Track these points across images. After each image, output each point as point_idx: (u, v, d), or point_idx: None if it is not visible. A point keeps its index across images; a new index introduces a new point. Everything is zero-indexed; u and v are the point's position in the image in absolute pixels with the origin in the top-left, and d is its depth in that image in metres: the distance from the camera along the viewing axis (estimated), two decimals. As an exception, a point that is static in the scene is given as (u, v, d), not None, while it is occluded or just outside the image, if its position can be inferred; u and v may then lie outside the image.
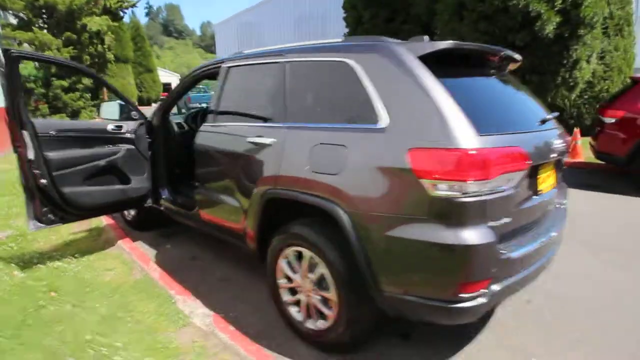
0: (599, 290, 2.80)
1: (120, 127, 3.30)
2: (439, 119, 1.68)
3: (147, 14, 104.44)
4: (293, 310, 2.32)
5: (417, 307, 1.80)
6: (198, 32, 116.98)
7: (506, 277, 1.81)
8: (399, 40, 2.07)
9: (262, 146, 2.31)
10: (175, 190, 3.70)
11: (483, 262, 1.68)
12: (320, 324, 2.15)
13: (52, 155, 2.84)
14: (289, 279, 2.32)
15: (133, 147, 3.34)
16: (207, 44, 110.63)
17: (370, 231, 1.81)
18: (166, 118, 3.63)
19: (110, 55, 15.82)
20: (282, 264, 2.31)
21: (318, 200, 1.97)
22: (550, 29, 7.47)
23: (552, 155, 2.09)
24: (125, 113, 3.43)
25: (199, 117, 4.02)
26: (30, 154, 2.74)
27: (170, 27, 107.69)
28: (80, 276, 2.96)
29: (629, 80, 6.21)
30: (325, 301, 2.11)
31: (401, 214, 1.73)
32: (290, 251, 2.23)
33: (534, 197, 2.01)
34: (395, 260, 1.78)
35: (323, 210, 1.97)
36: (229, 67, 2.78)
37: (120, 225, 4.14)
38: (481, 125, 1.71)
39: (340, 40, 2.28)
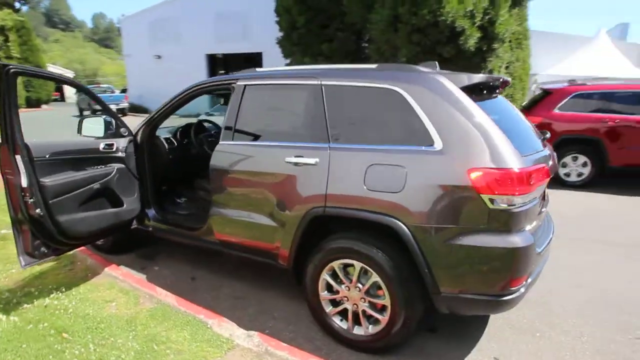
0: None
1: (111, 145, 3.04)
2: (491, 143, 1.97)
3: (26, 2, 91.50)
4: (336, 320, 2.45)
5: (471, 303, 2.08)
6: (89, 24, 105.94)
7: (535, 270, 2.19)
8: (436, 70, 2.33)
9: (304, 166, 2.38)
10: (166, 209, 3.52)
11: (527, 260, 2.02)
12: (372, 329, 2.32)
13: (48, 181, 2.53)
14: (332, 291, 2.44)
15: (124, 166, 3.10)
16: (101, 38, 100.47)
17: (431, 241, 2.03)
18: (153, 134, 3.42)
19: (15, 51, 13.66)
20: (326, 277, 2.42)
21: (377, 216, 2.13)
22: (471, 42, 8.47)
23: (554, 169, 2.53)
24: (111, 129, 3.16)
25: (193, 132, 3.83)
26: (24, 181, 2.41)
27: (55, 18, 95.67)
28: (82, 312, 2.69)
29: (531, 88, 7.43)
30: (375, 307, 2.29)
31: (462, 225, 1.98)
32: (336, 264, 2.36)
33: (543, 203, 2.43)
34: (454, 265, 2.03)
35: (381, 225, 2.14)
36: (246, 85, 2.77)
37: (91, 251, 3.77)
38: (518, 147, 2.04)
39: (375, 66, 2.47)
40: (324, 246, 2.38)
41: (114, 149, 3.05)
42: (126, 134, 3.17)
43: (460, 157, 1.99)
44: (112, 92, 22.32)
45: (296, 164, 2.41)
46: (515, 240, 1.97)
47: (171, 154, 3.54)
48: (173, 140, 3.66)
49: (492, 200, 1.93)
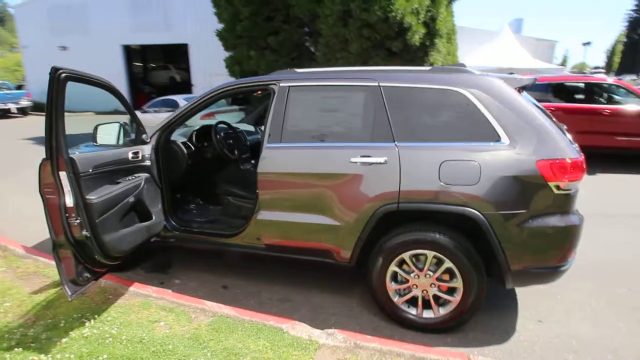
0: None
1: (137, 153, 2.78)
2: (552, 136, 2.26)
3: None
4: (404, 308, 2.61)
5: (534, 276, 2.39)
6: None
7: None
8: (489, 73, 2.56)
9: (372, 165, 2.47)
10: (185, 217, 3.33)
11: (579, 235, 2.38)
12: (442, 311, 2.53)
13: (94, 198, 2.25)
14: (398, 281, 2.59)
15: (149, 175, 2.87)
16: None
17: (505, 226, 2.28)
18: (169, 138, 3.20)
19: None
20: (394, 268, 2.55)
21: (456, 207, 2.32)
22: (417, 38, 9.06)
23: None
24: (129, 136, 2.89)
25: (215, 134, 3.59)
26: (69, 201, 2.13)
27: None
28: (135, 337, 2.47)
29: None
30: (446, 290, 2.50)
31: (531, 210, 2.26)
32: (407, 255, 2.50)
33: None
34: (524, 245, 2.31)
35: (457, 215, 2.34)
36: (290, 86, 2.74)
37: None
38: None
39: (428, 68, 2.63)
40: (394, 240, 2.50)
41: (140, 157, 2.80)
42: (148, 140, 2.92)
43: (528, 150, 2.26)
44: (9, 88, 19.37)
45: (363, 163, 2.48)
46: (573, 219, 2.31)
47: (189, 159, 3.33)
48: (190, 144, 3.44)
49: (557, 187, 2.23)
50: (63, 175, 2.08)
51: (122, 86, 20.61)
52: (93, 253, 2.31)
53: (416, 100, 2.49)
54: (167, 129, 3.12)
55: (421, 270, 2.51)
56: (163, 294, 2.95)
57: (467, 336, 2.58)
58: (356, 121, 2.62)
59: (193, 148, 3.43)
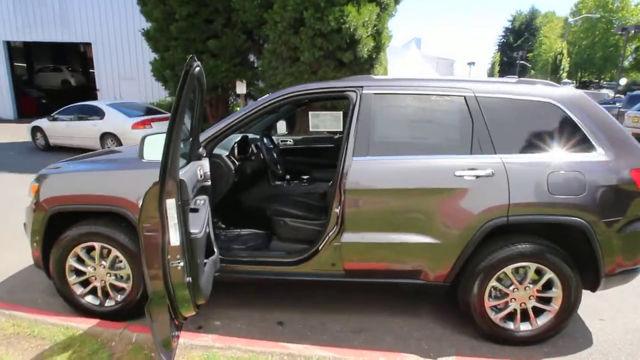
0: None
1: (201, 170, 2.25)
2: (636, 146, 2.44)
3: None
4: (501, 324, 2.55)
5: (620, 277, 2.53)
6: None
7: None
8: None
9: (479, 178, 2.36)
10: (228, 244, 2.83)
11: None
12: (540, 321, 2.53)
13: (197, 231, 1.71)
14: (497, 296, 2.53)
15: (208, 197, 2.34)
16: None
17: (606, 233, 2.37)
18: (212, 151, 2.67)
19: None
20: (493, 284, 2.48)
21: (566, 218, 2.34)
22: (366, 50, 9.32)
23: None
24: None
25: (262, 146, 3.05)
26: (175, 238, 1.58)
27: None
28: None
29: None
30: (544, 301, 2.51)
31: (627, 216, 2.39)
32: (509, 269, 2.45)
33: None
34: (618, 249, 2.43)
35: (564, 226, 2.37)
36: (376, 94, 2.51)
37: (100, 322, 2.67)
38: None
39: (515, 80, 2.63)
40: (498, 254, 2.43)
41: (202, 176, 2.27)
42: (204, 155, 2.39)
43: (622, 160, 2.39)
44: None
45: (470, 177, 2.37)
46: None
47: (236, 176, 2.82)
48: (234, 159, 2.91)
49: (649, 194, 2.40)
50: (170, 204, 1.54)
51: (5, 89, 17.32)
52: (183, 303, 1.77)
53: (512, 111, 2.47)
54: (214, 140, 2.60)
55: (521, 283, 2.48)
56: (229, 342, 2.42)
57: (557, 344, 2.62)
58: (452, 132, 2.50)
59: (237, 163, 2.92)
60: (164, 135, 2.19)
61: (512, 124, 2.47)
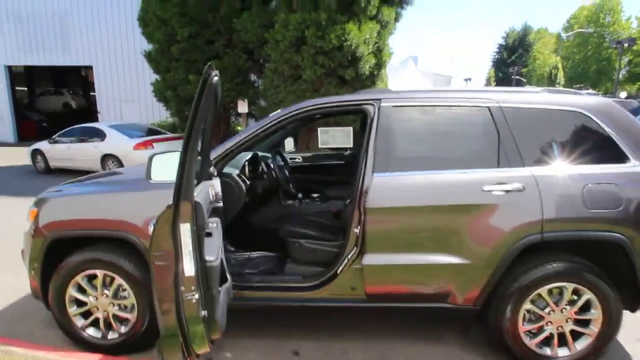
0: None
1: (213, 191, 2.10)
2: None
3: None
4: (537, 350, 2.36)
5: None
6: None
7: None
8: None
9: (509, 193, 2.22)
10: (247, 266, 2.67)
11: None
12: (579, 345, 2.34)
13: (213, 259, 1.55)
14: (531, 320, 2.35)
15: (220, 220, 2.19)
16: None
17: (642, 247, 2.21)
18: (222, 170, 2.53)
19: None
20: (528, 306, 2.31)
21: (601, 234, 2.18)
22: (367, 67, 9.31)
23: None
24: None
25: (261, 164, 2.93)
26: (189, 267, 1.42)
27: None
28: None
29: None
30: (582, 324, 2.32)
31: (663, 229, 2.24)
32: (544, 291, 2.28)
33: None
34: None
35: (602, 241, 2.21)
36: (395, 106, 2.39)
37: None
38: None
39: (540, 89, 2.52)
40: (533, 274, 2.26)
41: (214, 197, 2.13)
42: (215, 174, 2.25)
43: (654, 170, 2.25)
44: None
45: (499, 192, 2.23)
46: None
47: (248, 196, 2.67)
48: (245, 178, 2.76)
49: (685, 204, 2.25)
50: (185, 229, 1.39)
51: (6, 113, 17.36)
52: (197, 339, 1.59)
53: (539, 121, 2.35)
54: (224, 158, 2.47)
55: (557, 304, 2.31)
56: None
57: (598, 370, 2.42)
58: (477, 145, 2.37)
59: (248, 182, 2.77)
60: (174, 154, 2.06)
61: (539, 134, 2.35)
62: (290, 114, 2.47)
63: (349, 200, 2.69)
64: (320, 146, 3.96)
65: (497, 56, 55.13)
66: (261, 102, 11.03)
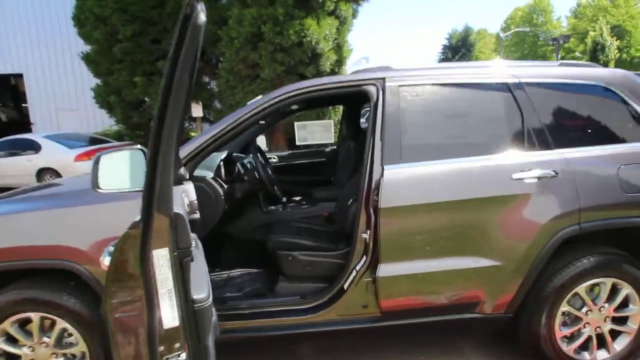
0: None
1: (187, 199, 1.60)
2: None
3: None
4: (576, 356, 2.08)
5: None
6: None
7: None
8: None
9: (541, 180, 1.91)
10: (230, 288, 2.19)
11: None
12: (618, 347, 2.09)
13: (203, 296, 1.07)
14: (568, 323, 2.07)
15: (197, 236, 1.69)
16: None
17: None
18: (193, 172, 2.02)
19: None
20: (565, 308, 2.02)
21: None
22: (328, 64, 8.99)
23: None
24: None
25: (237, 164, 2.40)
26: (170, 315, 0.93)
27: None
28: None
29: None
30: (620, 322, 2.08)
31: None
32: (582, 288, 2.00)
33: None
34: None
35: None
36: (402, 85, 2.01)
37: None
38: None
39: (558, 63, 2.26)
40: (566, 272, 1.97)
41: (189, 207, 1.62)
42: (187, 176, 1.74)
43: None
44: None
45: (531, 179, 1.91)
46: None
47: (226, 202, 2.16)
48: (221, 181, 2.24)
49: None
50: (161, 257, 0.89)
51: None
52: None
53: (563, 97, 2.09)
54: (194, 158, 1.97)
55: (595, 303, 2.04)
56: None
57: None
58: (498, 127, 2.05)
59: (225, 186, 2.25)
60: (131, 152, 1.55)
61: (565, 112, 2.08)
62: (274, 100, 2.02)
63: (351, 201, 2.27)
64: (297, 143, 3.51)
65: (442, 56, 57.38)
66: (217, 104, 10.38)
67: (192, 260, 1.19)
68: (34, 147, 8.05)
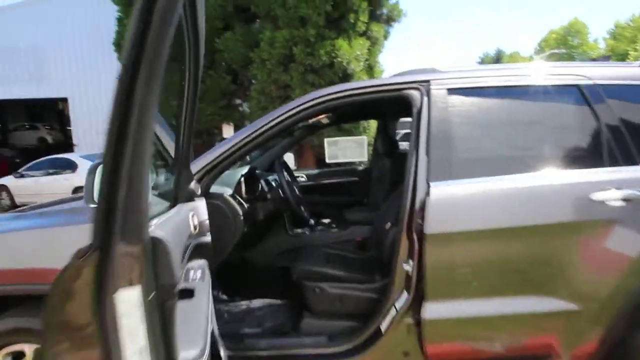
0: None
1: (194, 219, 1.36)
2: None
3: None
4: None
5: None
6: None
7: None
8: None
9: (630, 203, 1.54)
10: (246, 324, 1.90)
11: None
12: None
13: (194, 356, 0.80)
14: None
15: (207, 262, 1.43)
16: None
17: None
18: (209, 189, 1.79)
19: None
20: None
21: None
22: (359, 84, 8.83)
23: None
24: (156, 186, 1.45)
25: (260, 181, 2.19)
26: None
27: None
28: None
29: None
30: None
31: None
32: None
33: None
34: None
35: None
36: (451, 89, 1.72)
37: None
38: None
39: (637, 62, 1.90)
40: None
41: (197, 228, 1.38)
42: (199, 192, 1.51)
43: None
44: None
45: (616, 201, 1.54)
46: None
47: (246, 224, 1.91)
48: (241, 200, 2.00)
49: None
50: (128, 303, 0.62)
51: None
52: None
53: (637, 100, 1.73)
54: (211, 171, 1.74)
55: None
56: None
57: None
58: (568, 137, 1.72)
59: (246, 206, 2.01)
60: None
61: None
62: (305, 105, 1.78)
63: (389, 225, 1.96)
64: (327, 161, 3.25)
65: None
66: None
67: (190, 294, 0.92)
68: (71, 166, 8.26)
